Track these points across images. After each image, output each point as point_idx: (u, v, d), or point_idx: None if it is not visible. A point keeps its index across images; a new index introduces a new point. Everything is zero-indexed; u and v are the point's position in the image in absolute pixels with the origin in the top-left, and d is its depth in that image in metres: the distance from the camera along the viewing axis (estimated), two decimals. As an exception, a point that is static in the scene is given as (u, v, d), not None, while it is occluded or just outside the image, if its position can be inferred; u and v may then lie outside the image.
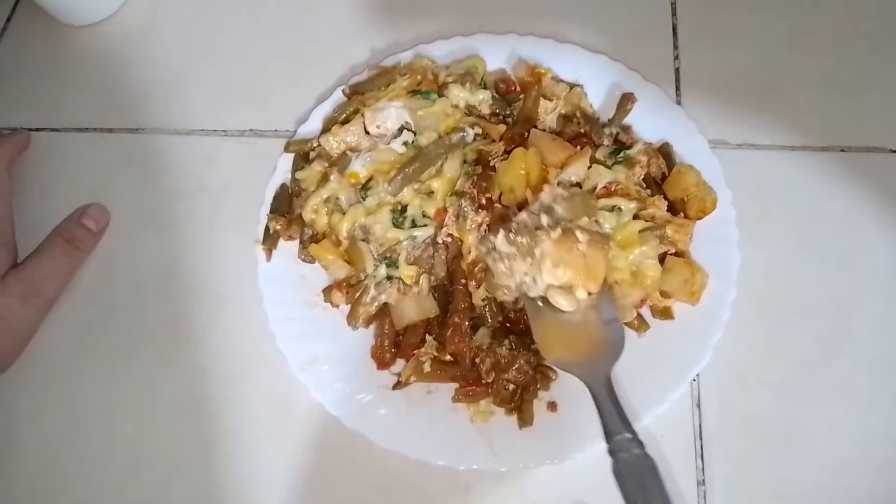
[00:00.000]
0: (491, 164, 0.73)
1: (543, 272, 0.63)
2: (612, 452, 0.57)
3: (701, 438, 0.70)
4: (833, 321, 0.73)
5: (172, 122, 0.88)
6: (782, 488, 0.68)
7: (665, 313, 0.71)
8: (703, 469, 0.69)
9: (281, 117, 0.86)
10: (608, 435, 0.57)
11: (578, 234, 0.63)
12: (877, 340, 0.72)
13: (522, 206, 0.69)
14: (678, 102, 0.84)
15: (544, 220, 0.65)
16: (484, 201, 0.71)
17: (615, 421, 0.57)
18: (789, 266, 0.76)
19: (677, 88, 0.85)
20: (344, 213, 0.73)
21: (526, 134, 0.74)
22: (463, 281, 0.71)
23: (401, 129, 0.75)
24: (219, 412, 0.73)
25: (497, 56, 0.83)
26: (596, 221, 0.68)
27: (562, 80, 0.81)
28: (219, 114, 0.88)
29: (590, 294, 0.64)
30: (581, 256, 0.63)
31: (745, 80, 0.85)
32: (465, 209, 0.70)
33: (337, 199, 0.74)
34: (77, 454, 0.73)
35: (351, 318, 0.71)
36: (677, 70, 0.86)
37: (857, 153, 0.80)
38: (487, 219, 0.70)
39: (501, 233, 0.64)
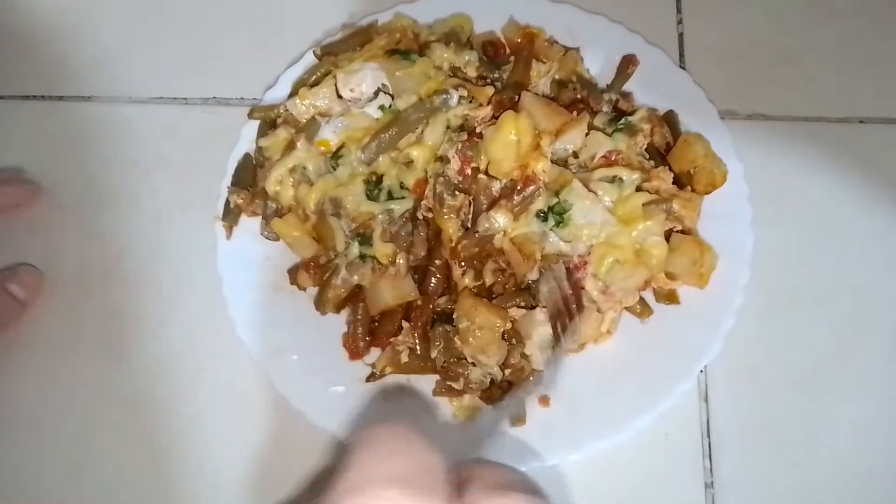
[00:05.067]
0: (477, 130, 0.67)
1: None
2: None
3: (709, 436, 0.65)
4: (853, 309, 0.69)
5: (129, 89, 0.83)
6: (798, 494, 0.63)
7: (670, 297, 0.66)
8: (711, 470, 0.64)
9: (248, 84, 0.81)
10: None
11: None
12: (902, 330, 0.67)
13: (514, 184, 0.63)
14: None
15: None
16: (469, 172, 0.64)
17: None
18: (805, 248, 0.71)
19: (681, 55, 0.81)
20: (312, 185, 0.68)
21: (517, 97, 0.68)
22: (437, 262, 0.66)
23: (377, 93, 0.70)
24: (174, 410, 0.69)
25: (486, 16, 0.78)
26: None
27: (556, 43, 0.76)
28: (180, 80, 0.83)
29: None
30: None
31: (754, 47, 0.80)
32: (441, 192, 0.63)
33: (304, 169, 0.68)
34: (15, 458, 0.68)
35: (319, 302, 0.66)
36: (681, 35, 0.82)
37: (876, 125, 0.76)
38: (467, 202, 0.64)
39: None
